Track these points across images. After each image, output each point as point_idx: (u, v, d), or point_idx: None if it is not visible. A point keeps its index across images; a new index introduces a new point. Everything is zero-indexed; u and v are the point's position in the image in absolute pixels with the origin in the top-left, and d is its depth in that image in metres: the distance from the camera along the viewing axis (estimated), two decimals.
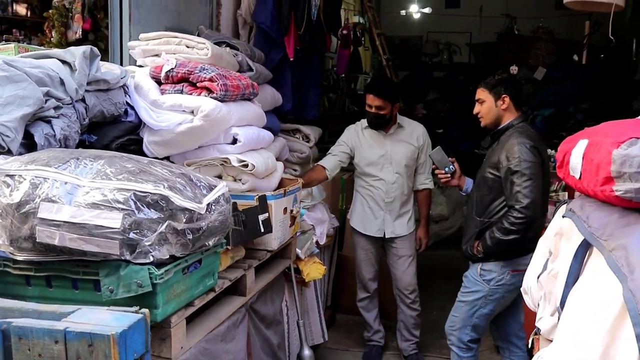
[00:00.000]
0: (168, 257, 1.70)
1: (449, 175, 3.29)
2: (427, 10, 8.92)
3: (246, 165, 2.59)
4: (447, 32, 9.60)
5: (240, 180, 2.62)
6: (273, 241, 2.66)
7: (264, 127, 3.51)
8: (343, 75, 7.09)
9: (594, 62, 5.27)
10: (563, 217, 1.99)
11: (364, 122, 3.96)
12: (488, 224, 3.03)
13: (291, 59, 4.03)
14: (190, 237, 1.73)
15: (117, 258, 1.64)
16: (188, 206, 1.69)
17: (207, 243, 1.85)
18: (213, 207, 1.82)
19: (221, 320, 2.20)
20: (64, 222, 1.60)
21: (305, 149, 4.20)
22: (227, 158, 2.57)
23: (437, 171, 3.35)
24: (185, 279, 1.85)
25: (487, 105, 3.12)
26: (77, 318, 1.51)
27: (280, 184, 3.00)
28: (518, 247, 2.94)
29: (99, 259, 1.66)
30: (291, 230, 2.89)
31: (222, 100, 2.51)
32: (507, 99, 3.07)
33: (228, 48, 3.29)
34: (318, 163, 3.96)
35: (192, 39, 2.87)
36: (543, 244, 2.31)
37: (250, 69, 3.32)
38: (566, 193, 3.88)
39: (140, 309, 1.55)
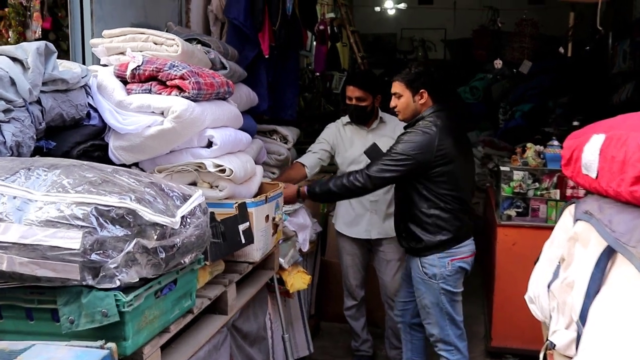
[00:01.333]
0: (137, 280, 1.47)
1: None
2: (401, 5, 8.77)
3: (223, 171, 2.36)
4: (422, 29, 9.48)
5: (217, 187, 2.39)
6: (255, 252, 2.44)
7: (240, 129, 3.32)
8: (318, 74, 6.88)
9: (578, 55, 5.17)
10: (577, 220, 1.81)
11: (344, 118, 3.81)
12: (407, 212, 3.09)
13: (266, 56, 3.81)
14: (163, 255, 1.50)
15: (78, 284, 1.41)
16: (159, 221, 1.46)
17: (182, 261, 1.63)
18: (188, 220, 1.59)
19: (201, 344, 1.97)
20: (13, 243, 1.37)
21: (283, 151, 4.01)
22: (202, 163, 2.34)
23: None
24: (158, 303, 1.62)
25: (404, 100, 3.07)
26: (30, 357, 1.28)
27: (260, 189, 2.78)
28: (454, 238, 3.02)
29: (56, 284, 1.42)
30: (274, 239, 2.68)
31: (194, 100, 2.29)
32: (425, 94, 3.03)
33: (199, 45, 3.08)
34: (297, 160, 3.81)
35: (161, 35, 2.64)
36: (550, 249, 2.13)
37: (224, 67, 3.12)
38: (558, 191, 3.72)
39: (106, 344, 1.33)
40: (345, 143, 3.74)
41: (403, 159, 2.92)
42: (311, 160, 3.74)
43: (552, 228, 3.73)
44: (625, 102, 5.63)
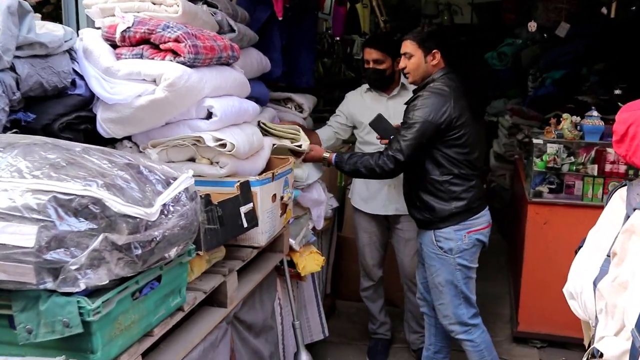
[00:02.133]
0: (107, 281, 1.24)
1: None
2: None
3: (224, 145, 2.11)
4: None
5: (217, 163, 2.14)
6: (260, 236, 2.20)
7: (250, 97, 3.09)
8: (338, 38, 6.52)
9: (621, 16, 4.75)
10: (634, 209, 1.53)
11: (365, 85, 3.57)
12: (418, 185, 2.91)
13: (280, 19, 3.52)
14: (139, 252, 1.26)
15: (35, 287, 1.18)
16: (130, 212, 1.21)
17: (166, 255, 1.39)
18: (171, 208, 1.35)
19: (194, 343, 1.74)
20: None
21: (298, 120, 3.75)
22: (200, 136, 2.09)
23: (382, 141, 3.08)
24: (137, 305, 1.39)
25: (415, 61, 2.87)
26: None
27: (269, 165, 2.53)
28: (467, 210, 2.85)
29: (10, 288, 1.20)
30: (282, 219, 2.44)
31: (191, 65, 2.03)
32: (437, 55, 2.85)
33: (205, 6, 2.82)
34: (316, 130, 3.59)
35: None
36: (596, 238, 1.85)
37: (232, 30, 2.86)
38: (595, 166, 3.41)
39: None
40: (364, 111, 3.48)
41: (423, 126, 2.73)
42: (326, 133, 3.55)
43: (588, 207, 3.52)
44: None
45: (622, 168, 3.33)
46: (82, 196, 1.18)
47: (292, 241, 2.71)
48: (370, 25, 7.97)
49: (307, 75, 4.07)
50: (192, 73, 2.00)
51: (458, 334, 2.98)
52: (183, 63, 2.01)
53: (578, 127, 3.51)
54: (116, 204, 1.19)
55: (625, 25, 5.37)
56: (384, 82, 3.41)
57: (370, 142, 3.47)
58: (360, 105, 3.52)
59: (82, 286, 1.18)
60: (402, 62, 2.92)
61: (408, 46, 2.88)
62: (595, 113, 3.44)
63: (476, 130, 2.93)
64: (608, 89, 4.92)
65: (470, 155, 2.85)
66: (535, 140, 3.59)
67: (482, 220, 2.90)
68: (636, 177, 3.04)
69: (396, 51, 3.31)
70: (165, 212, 1.32)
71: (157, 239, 1.29)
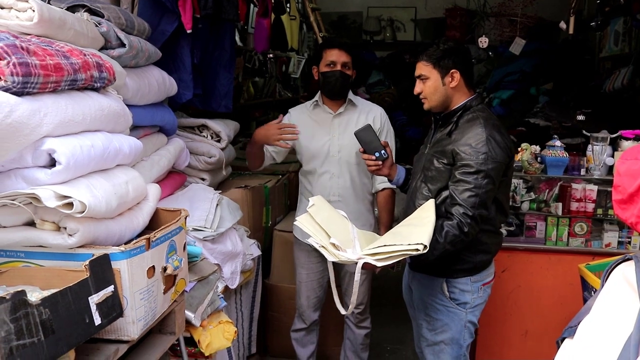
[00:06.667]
0: None
1: (380, 162, 2.65)
2: None
3: (72, 204, 1.49)
4: (390, 7, 8.70)
5: (65, 228, 1.53)
6: (130, 326, 1.59)
7: (153, 126, 2.57)
8: (272, 55, 5.97)
9: (579, 32, 4.39)
10: None
11: (310, 102, 3.17)
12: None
13: (188, 32, 2.95)
14: None
15: None
16: None
17: None
18: None
19: None
20: None
21: (214, 152, 3.23)
22: (34, 194, 1.46)
23: (364, 156, 2.67)
24: None
25: (432, 84, 2.49)
26: None
27: (157, 221, 1.92)
28: (489, 260, 2.51)
29: None
30: (169, 295, 1.82)
31: (19, 92, 1.42)
32: (457, 75, 2.46)
33: (87, 14, 2.25)
34: None
35: None
36: (592, 336, 1.32)
37: (122, 45, 2.31)
38: (560, 204, 2.93)
39: None
40: (306, 131, 3.06)
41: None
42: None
43: (552, 252, 3.03)
44: (621, 89, 4.90)
45: (590, 207, 2.87)
46: None
47: (190, 315, 2.10)
48: (308, 42, 7.48)
49: (226, 98, 3.53)
50: (18, 104, 1.38)
51: None
52: (6, 89, 1.40)
53: (538, 158, 3.04)
54: None
55: (572, 43, 5.07)
56: (346, 91, 3.03)
57: (311, 171, 3.09)
58: (304, 125, 3.06)
59: None
60: (418, 86, 2.53)
61: (422, 68, 2.50)
62: (557, 143, 2.97)
63: None
64: (562, 111, 4.54)
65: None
66: None
67: (492, 271, 2.56)
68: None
69: (357, 62, 3.07)
70: None
71: None
